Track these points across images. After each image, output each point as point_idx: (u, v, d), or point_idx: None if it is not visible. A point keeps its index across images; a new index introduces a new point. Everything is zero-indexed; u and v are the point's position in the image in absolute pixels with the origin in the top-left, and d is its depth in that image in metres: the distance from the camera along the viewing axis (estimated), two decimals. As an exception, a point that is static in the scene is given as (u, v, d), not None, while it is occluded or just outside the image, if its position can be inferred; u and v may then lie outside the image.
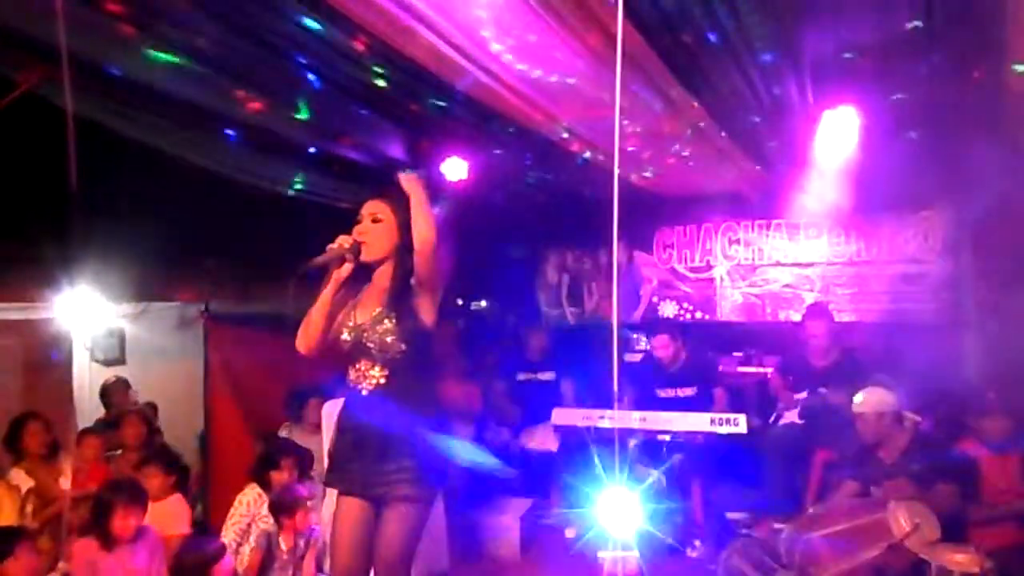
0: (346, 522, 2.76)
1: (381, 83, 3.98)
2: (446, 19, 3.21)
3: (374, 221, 2.79)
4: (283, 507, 4.03)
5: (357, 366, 2.75)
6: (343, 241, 2.74)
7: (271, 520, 4.11)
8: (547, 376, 6.30)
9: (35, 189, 3.85)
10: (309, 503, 4.13)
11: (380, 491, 2.70)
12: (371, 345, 2.71)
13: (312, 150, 5.01)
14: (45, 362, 5.09)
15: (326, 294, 2.73)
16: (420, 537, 2.78)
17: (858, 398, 4.20)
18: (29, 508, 4.18)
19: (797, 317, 6.33)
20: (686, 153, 5.40)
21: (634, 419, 5.12)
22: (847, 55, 3.87)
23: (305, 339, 2.76)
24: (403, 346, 2.69)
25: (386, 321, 2.71)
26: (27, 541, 3.37)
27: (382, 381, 2.71)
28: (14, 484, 4.25)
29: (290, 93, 4.09)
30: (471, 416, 5.95)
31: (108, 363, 5.77)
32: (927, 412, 4.71)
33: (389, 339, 2.69)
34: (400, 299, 2.74)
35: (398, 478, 2.67)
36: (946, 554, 3.30)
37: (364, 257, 2.76)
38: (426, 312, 2.74)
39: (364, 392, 2.72)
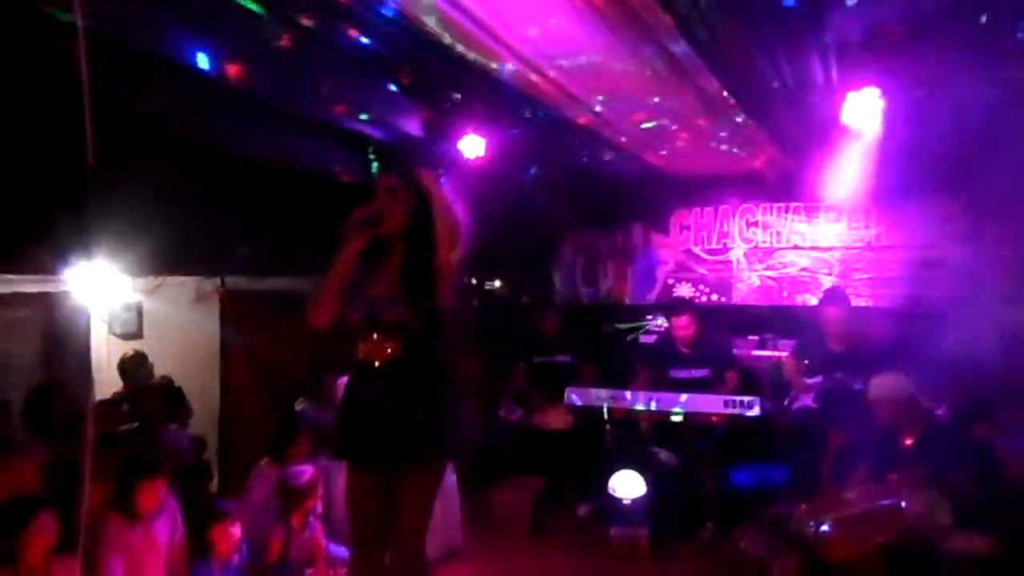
0: (361, 495, 2.80)
1: (400, 59, 3.96)
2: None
3: (389, 194, 2.78)
4: (292, 493, 4.06)
5: (370, 340, 2.73)
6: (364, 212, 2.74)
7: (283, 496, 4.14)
8: (563, 358, 6.29)
9: (52, 162, 3.87)
10: (317, 482, 4.15)
11: (393, 463, 2.72)
12: (386, 320, 2.71)
13: (328, 126, 5.00)
14: (63, 335, 5.14)
15: (342, 264, 2.73)
16: (433, 507, 2.82)
17: (873, 384, 4.17)
18: (48, 480, 4.23)
19: (814, 301, 6.29)
20: (707, 134, 5.35)
21: (648, 400, 5.12)
22: (872, 37, 3.81)
23: (318, 310, 2.76)
24: (418, 324, 2.69)
25: (402, 298, 2.71)
26: (45, 511, 3.40)
27: (396, 356, 2.71)
28: (35, 456, 4.30)
29: (307, 68, 4.07)
30: (484, 392, 5.98)
31: (126, 337, 5.81)
32: (943, 398, 4.68)
33: (404, 316, 2.69)
34: (416, 277, 2.74)
35: (411, 450, 2.70)
36: (958, 540, 3.29)
37: (380, 229, 2.75)
38: (443, 292, 2.74)
39: (376, 365, 2.72)
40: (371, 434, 2.74)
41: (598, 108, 4.71)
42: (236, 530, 3.88)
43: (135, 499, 3.56)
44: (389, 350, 2.70)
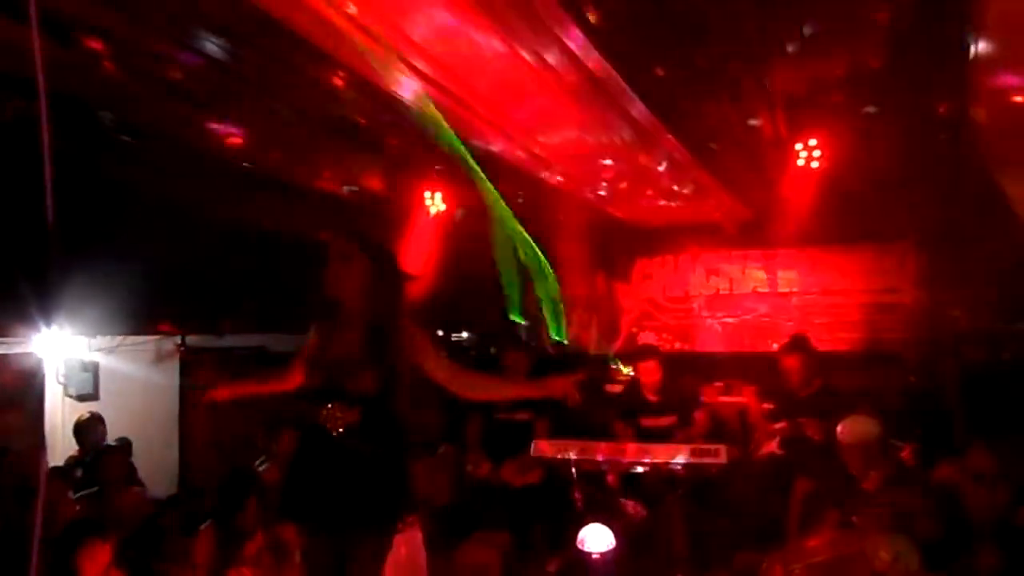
0: (314, 560, 2.77)
1: (361, 118, 4.00)
2: (427, 60, 3.24)
3: (344, 259, 2.79)
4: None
5: (330, 408, 2.71)
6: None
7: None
8: (523, 416, 6.20)
9: (9, 223, 3.81)
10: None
11: (344, 527, 2.70)
12: (347, 388, 2.70)
13: (289, 184, 5.01)
14: (17, 397, 5.00)
15: (308, 344, 2.83)
16: (382, 571, 2.82)
17: (843, 428, 4.18)
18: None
19: (775, 347, 6.37)
20: (663, 185, 5.46)
21: (615, 450, 5.09)
22: (817, 89, 3.95)
23: (291, 378, 2.90)
24: (378, 388, 2.69)
25: (360, 363, 2.70)
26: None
27: (354, 423, 2.70)
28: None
29: (268, 128, 4.09)
30: (446, 447, 5.90)
31: (82, 398, 5.68)
32: (906, 440, 4.73)
33: (366, 384, 2.69)
34: (377, 340, 2.73)
35: (363, 515, 2.69)
36: (927, 584, 3.29)
37: (331, 294, 2.77)
38: (404, 353, 2.75)
39: (334, 433, 2.70)
40: (323, 498, 2.71)
41: (559, 175, 4.78)
42: None
43: (77, 566, 3.43)
44: (348, 419, 2.69)
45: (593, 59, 3.10)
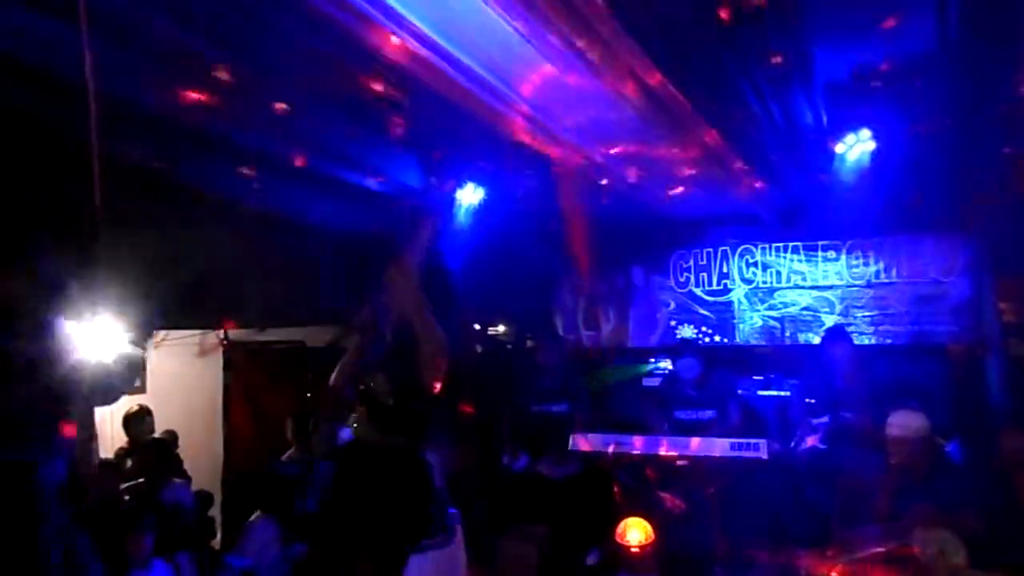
0: None
1: (399, 112, 4.02)
2: (465, 50, 3.25)
3: (366, 329, 3.00)
4: None
5: (376, 378, 2.89)
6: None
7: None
8: (559, 408, 6.21)
9: (54, 217, 3.91)
10: None
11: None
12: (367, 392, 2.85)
13: (330, 178, 5.05)
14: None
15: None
16: None
17: (893, 422, 4.11)
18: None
19: (816, 340, 6.29)
20: (702, 177, 5.41)
21: (654, 445, 5.08)
22: (864, 78, 3.88)
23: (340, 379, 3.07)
24: (392, 400, 2.76)
25: (381, 378, 2.79)
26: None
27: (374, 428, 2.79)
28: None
29: (307, 122, 4.14)
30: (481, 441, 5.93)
31: (129, 392, 5.80)
32: (951, 434, 4.65)
33: (382, 394, 2.77)
34: (398, 358, 2.82)
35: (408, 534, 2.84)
36: (974, 580, 3.24)
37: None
38: (426, 372, 2.81)
39: (385, 402, 2.82)
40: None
41: (595, 155, 4.77)
42: None
43: (124, 552, 3.53)
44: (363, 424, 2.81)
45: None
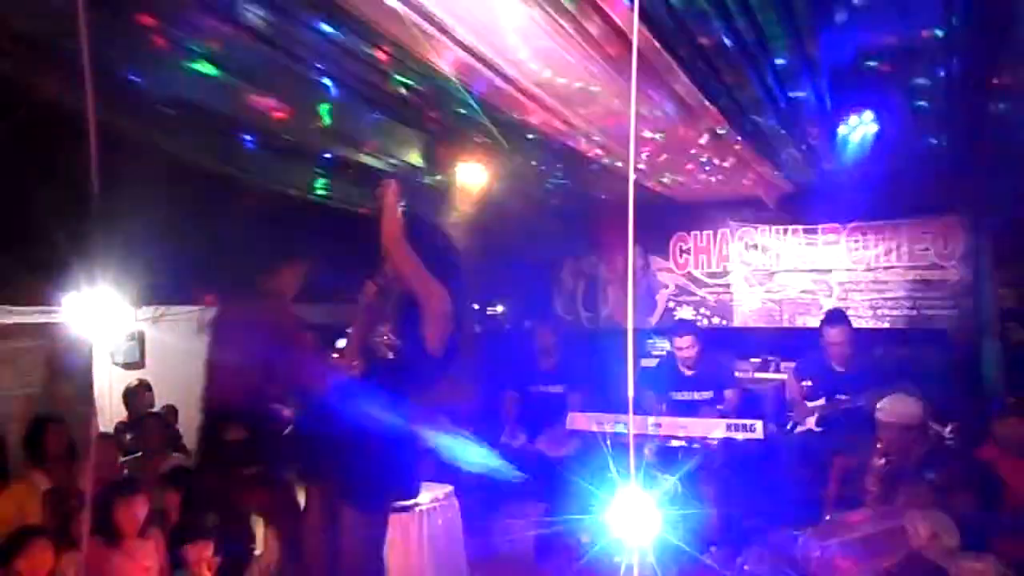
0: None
1: (401, 90, 4.00)
2: (465, 26, 3.22)
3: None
4: None
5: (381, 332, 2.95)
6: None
7: None
8: (557, 389, 6.23)
9: (54, 193, 3.90)
10: None
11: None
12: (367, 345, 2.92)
13: (332, 156, 5.03)
14: (66, 366, 5.14)
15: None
16: None
17: (884, 406, 4.14)
18: (47, 509, 4.21)
19: (815, 323, 6.29)
20: (704, 158, 5.39)
21: (650, 424, 5.10)
22: (866, 60, 3.86)
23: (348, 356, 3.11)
24: (391, 355, 2.84)
25: (387, 336, 2.88)
26: (42, 539, 3.39)
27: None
28: (35, 486, 4.29)
29: (310, 100, 4.12)
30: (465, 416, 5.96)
31: (128, 366, 5.83)
32: (947, 419, 4.67)
33: (386, 350, 2.87)
34: (405, 320, 2.87)
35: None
36: (965, 563, 3.26)
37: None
38: (430, 336, 2.81)
39: (386, 356, 2.90)
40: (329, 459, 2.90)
41: (596, 134, 4.74)
42: (208, 550, 3.83)
43: (114, 520, 3.54)
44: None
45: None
